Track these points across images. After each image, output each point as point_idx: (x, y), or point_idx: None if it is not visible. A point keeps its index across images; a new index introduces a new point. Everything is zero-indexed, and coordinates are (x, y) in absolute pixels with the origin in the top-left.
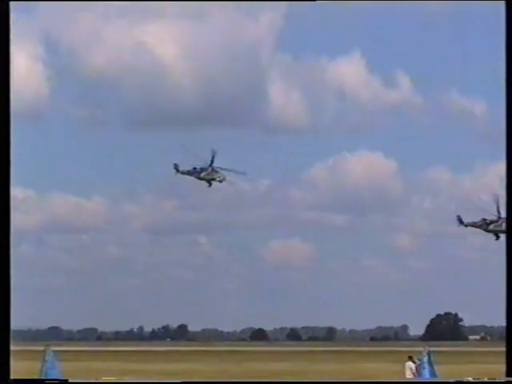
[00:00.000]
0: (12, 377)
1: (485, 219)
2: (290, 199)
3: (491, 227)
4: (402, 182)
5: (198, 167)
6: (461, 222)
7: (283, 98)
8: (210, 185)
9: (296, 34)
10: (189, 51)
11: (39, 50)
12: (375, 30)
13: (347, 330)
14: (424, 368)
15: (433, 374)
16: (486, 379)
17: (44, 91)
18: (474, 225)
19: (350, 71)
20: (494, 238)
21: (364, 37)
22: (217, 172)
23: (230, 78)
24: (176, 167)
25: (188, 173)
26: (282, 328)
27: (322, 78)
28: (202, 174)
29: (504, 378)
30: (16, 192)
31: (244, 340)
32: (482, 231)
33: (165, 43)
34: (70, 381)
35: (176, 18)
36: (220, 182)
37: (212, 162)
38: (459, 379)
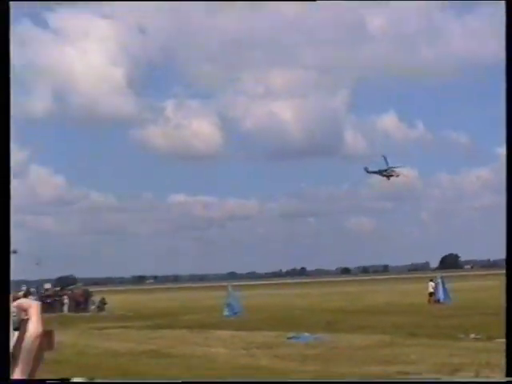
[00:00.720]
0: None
1: None
2: (361, 195)
3: None
4: (422, 183)
5: (382, 168)
6: None
7: (352, 139)
8: (389, 179)
9: (357, 102)
10: (298, 114)
11: (216, 120)
12: (400, 96)
13: (395, 265)
14: (438, 286)
15: (445, 289)
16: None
17: (218, 142)
18: None
19: (388, 121)
20: None
21: (394, 101)
22: (394, 171)
23: (321, 128)
24: (366, 169)
25: (374, 172)
26: (358, 266)
27: (373, 126)
28: (385, 172)
29: (504, 378)
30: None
31: (337, 274)
32: None
33: (284, 111)
34: (72, 380)
35: (288, 98)
36: (396, 177)
37: (395, 167)
38: (463, 380)
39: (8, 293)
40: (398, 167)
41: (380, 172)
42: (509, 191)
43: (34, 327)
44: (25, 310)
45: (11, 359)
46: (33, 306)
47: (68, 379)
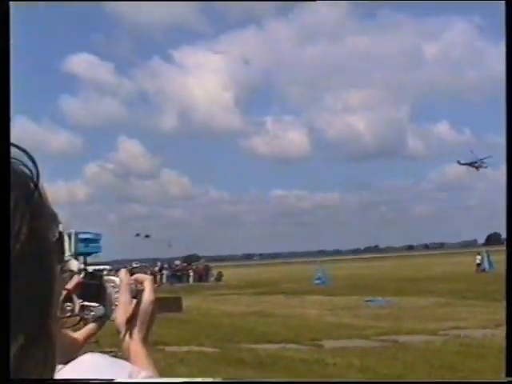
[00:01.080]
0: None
1: None
2: (421, 187)
3: None
4: (469, 177)
5: (471, 161)
6: None
7: (413, 143)
8: (478, 170)
9: (416, 113)
10: (369, 125)
11: (305, 131)
12: (450, 108)
13: (450, 242)
14: (484, 258)
15: (489, 261)
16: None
17: (307, 148)
18: None
19: (441, 129)
20: None
21: (446, 112)
22: (483, 163)
23: (388, 135)
24: (458, 161)
25: (466, 164)
26: (420, 244)
27: (430, 132)
28: (475, 164)
29: (504, 378)
30: (300, 193)
31: (403, 250)
32: None
33: (359, 122)
34: (73, 381)
35: (361, 112)
36: (485, 168)
37: (481, 159)
38: (463, 380)
39: (8, 293)
40: (486, 158)
41: (471, 164)
42: (509, 190)
43: (147, 296)
44: (141, 282)
45: (130, 322)
46: (147, 279)
47: (68, 380)
